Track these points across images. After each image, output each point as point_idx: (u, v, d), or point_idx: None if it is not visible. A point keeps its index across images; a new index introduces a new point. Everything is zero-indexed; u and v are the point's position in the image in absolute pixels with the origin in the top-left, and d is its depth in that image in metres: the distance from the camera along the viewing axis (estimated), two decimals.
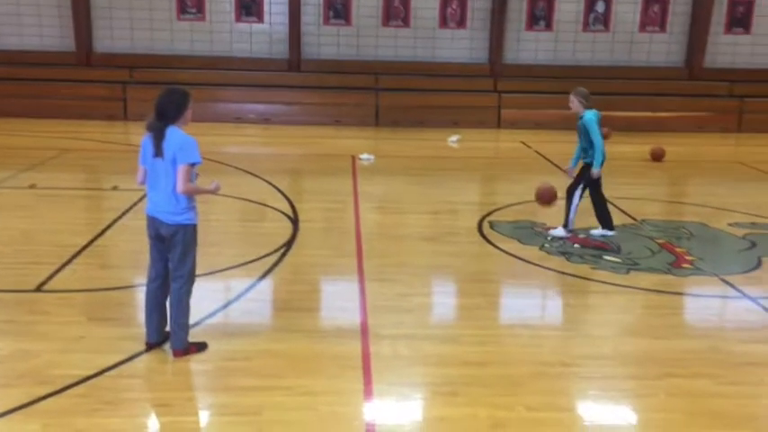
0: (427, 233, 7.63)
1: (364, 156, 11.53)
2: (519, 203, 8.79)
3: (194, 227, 4.44)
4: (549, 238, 7.29)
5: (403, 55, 16.42)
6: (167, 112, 4.28)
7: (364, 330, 5.01)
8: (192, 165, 4.30)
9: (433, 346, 4.84)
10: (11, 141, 12.10)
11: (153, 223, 4.41)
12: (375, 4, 16.20)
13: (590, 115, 7.04)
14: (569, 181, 7.43)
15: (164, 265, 4.49)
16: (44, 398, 3.99)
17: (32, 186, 8.95)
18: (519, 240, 7.28)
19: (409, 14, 16.27)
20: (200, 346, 4.58)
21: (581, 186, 7.25)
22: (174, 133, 4.28)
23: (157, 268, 4.52)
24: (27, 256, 6.40)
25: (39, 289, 5.59)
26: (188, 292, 4.46)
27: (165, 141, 4.25)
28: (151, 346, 4.59)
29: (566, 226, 7.34)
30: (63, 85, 14.94)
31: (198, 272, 4.59)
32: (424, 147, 13.12)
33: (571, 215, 7.30)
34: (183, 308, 4.44)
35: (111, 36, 15.87)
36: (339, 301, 5.65)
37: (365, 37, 16.37)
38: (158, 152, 4.26)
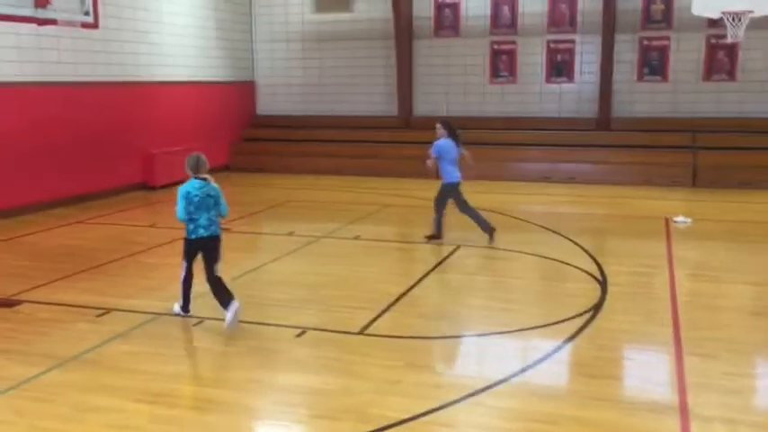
0: (755, 307, 6.83)
1: (680, 218, 10.79)
2: None
3: None
4: None
5: (727, 111, 15.16)
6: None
7: (683, 408, 4.61)
8: None
9: None
10: (341, 196, 13.60)
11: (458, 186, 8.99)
12: (695, 59, 15.29)
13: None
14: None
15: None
16: None
17: (357, 237, 9.91)
18: None
19: (735, 67, 15.03)
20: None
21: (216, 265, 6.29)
22: None
23: None
24: (352, 300, 7.06)
25: (361, 332, 6.11)
26: None
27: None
28: None
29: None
30: (386, 146, 16.44)
31: (501, 329, 4.69)
32: (749, 210, 11.87)
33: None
34: None
35: (429, 101, 17.15)
36: (653, 372, 5.30)
37: (683, 93, 15.48)
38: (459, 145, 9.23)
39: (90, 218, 11.27)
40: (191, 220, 6.21)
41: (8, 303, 6.91)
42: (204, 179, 6.23)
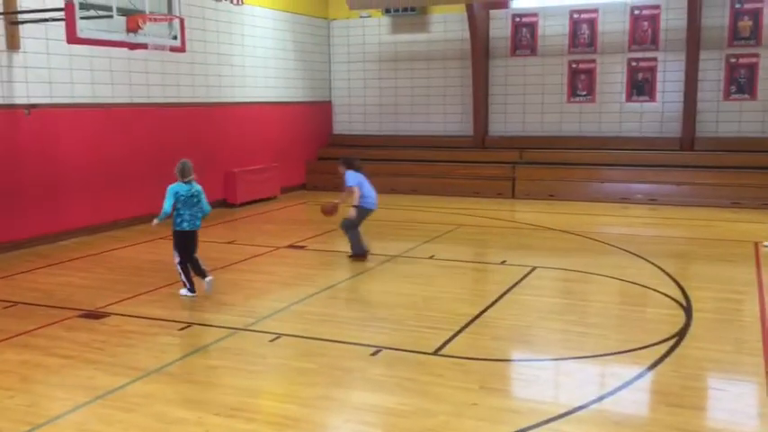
0: None
1: None
2: None
3: None
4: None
5: None
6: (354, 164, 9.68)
7: None
8: None
9: None
10: (416, 216, 13.62)
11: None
12: None
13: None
14: None
15: None
16: None
17: (432, 257, 9.89)
18: None
19: None
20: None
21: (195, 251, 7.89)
22: None
23: None
24: (426, 320, 7.03)
25: (436, 352, 6.07)
26: None
27: None
28: None
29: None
30: (460, 166, 16.39)
31: (579, 353, 4.56)
32: None
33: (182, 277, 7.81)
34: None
35: (505, 120, 17.02)
36: (741, 404, 5.06)
37: None
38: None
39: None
40: (177, 215, 7.60)
41: (97, 315, 7.21)
42: (189, 182, 7.60)
